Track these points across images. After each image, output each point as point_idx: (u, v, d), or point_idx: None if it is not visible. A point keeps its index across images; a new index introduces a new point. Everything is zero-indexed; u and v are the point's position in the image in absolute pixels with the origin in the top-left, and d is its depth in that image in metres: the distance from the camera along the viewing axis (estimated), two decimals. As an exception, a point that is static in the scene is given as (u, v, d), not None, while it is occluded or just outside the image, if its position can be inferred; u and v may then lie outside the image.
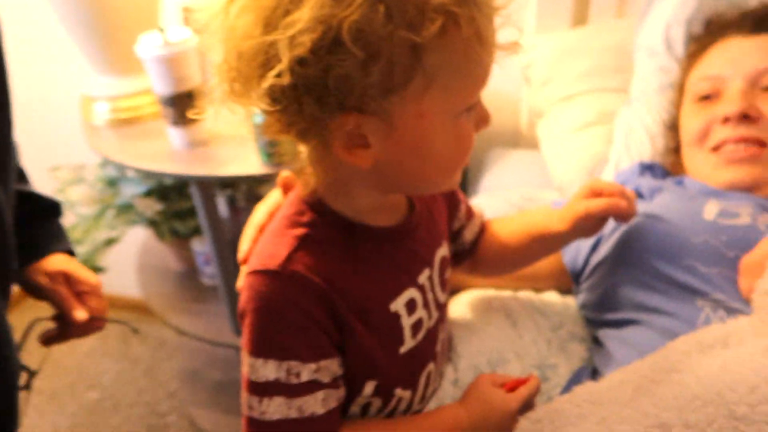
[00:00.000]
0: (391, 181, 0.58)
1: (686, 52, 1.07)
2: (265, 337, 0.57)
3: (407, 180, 0.58)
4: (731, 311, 0.67)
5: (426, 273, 0.67)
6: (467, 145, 0.57)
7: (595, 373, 0.77)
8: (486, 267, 0.85)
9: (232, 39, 0.51)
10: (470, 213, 0.82)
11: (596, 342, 0.87)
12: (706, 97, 0.93)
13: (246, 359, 0.58)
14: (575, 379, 0.77)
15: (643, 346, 0.70)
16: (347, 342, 0.60)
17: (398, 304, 0.63)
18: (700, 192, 0.88)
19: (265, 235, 0.63)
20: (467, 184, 1.46)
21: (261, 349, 0.57)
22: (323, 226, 0.59)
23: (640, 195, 0.94)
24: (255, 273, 0.58)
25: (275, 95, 0.50)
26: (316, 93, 0.49)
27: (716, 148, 0.90)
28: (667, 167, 1.03)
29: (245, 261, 0.67)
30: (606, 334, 0.82)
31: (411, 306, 0.65)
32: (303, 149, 0.58)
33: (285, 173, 0.70)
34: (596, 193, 0.76)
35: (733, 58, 0.92)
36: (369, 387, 0.63)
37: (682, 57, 1.10)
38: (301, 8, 0.47)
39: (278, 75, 0.48)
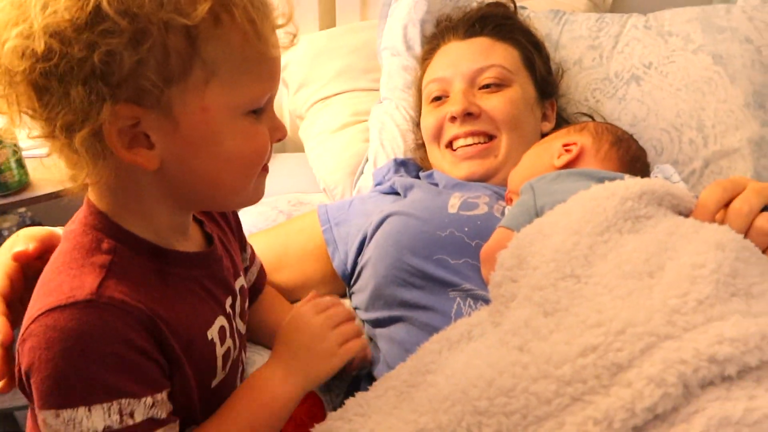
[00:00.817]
0: (184, 189, 0.54)
1: (421, 52, 1.14)
2: (83, 379, 0.47)
3: (201, 185, 0.54)
4: (477, 299, 0.72)
5: (229, 301, 0.64)
6: (259, 146, 0.55)
7: (371, 377, 0.79)
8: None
9: None
10: (254, 256, 0.80)
11: (372, 342, 0.89)
12: (437, 98, 1.00)
13: (54, 420, 0.47)
14: (353, 385, 0.78)
15: (407, 344, 0.72)
16: (174, 375, 0.54)
17: (213, 332, 0.59)
18: (446, 185, 0.94)
19: (54, 271, 0.52)
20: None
21: (80, 395, 0.47)
22: (128, 252, 0.53)
23: (396, 192, 0.98)
24: (55, 310, 0.48)
25: (38, 82, 0.46)
26: (82, 76, 0.45)
27: (449, 145, 0.97)
28: (419, 162, 1.09)
29: (5, 341, 0.55)
30: (377, 334, 0.84)
31: (222, 334, 0.60)
32: (79, 162, 0.50)
33: (20, 247, 0.60)
34: None
35: (452, 61, 0.99)
36: None
37: (420, 56, 1.17)
38: None
39: (28, 37, 0.44)
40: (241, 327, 0.67)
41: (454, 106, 0.94)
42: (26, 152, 1.14)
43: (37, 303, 0.50)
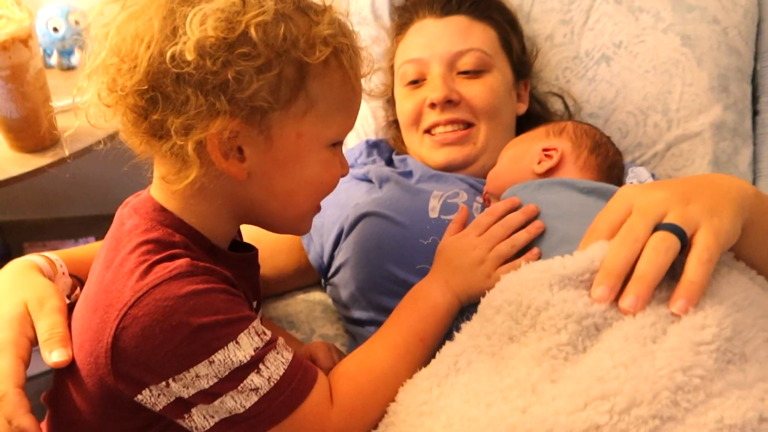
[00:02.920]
0: (257, 203, 0.58)
1: (392, 25, 1.07)
2: (222, 322, 0.52)
3: (275, 202, 0.59)
4: (462, 312, 0.67)
5: (255, 304, 0.67)
6: (335, 175, 0.61)
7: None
8: None
9: (125, 27, 0.52)
10: None
11: (348, 333, 0.87)
12: (414, 82, 0.92)
13: (208, 368, 0.51)
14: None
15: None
16: None
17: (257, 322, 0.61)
18: (421, 177, 0.89)
19: (133, 261, 0.53)
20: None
21: (225, 335, 0.52)
22: (194, 246, 0.56)
23: (369, 180, 0.93)
24: (160, 285, 0.51)
25: (168, 86, 0.50)
26: (208, 88, 0.50)
27: (428, 131, 0.91)
28: (391, 143, 1.04)
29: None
30: (354, 330, 0.82)
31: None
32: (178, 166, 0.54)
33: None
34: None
35: (429, 41, 0.91)
36: None
37: (390, 27, 1.09)
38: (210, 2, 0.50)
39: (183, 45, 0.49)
40: None
41: (434, 93, 0.88)
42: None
43: (125, 291, 0.51)
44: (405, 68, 0.94)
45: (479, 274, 0.64)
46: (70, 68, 1.21)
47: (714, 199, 0.54)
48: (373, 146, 1.01)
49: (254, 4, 0.50)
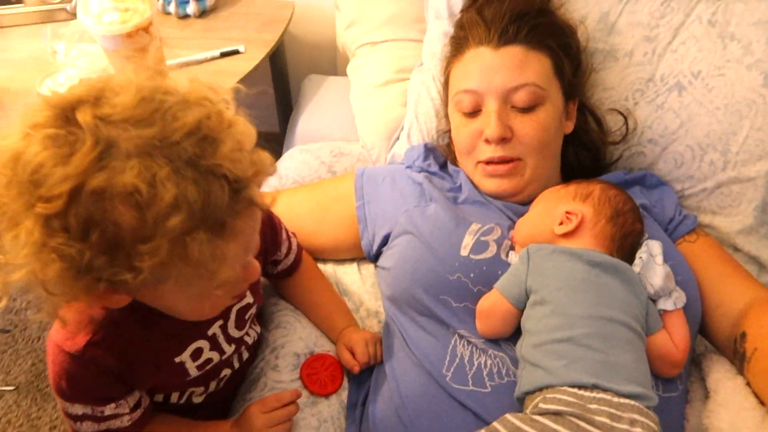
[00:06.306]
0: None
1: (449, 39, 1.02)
2: (70, 392, 0.68)
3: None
4: (470, 344, 0.81)
5: (218, 323, 0.76)
6: (212, 309, 0.67)
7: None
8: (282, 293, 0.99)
9: None
10: (289, 249, 0.91)
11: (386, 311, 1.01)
12: (469, 113, 0.93)
13: (59, 399, 0.69)
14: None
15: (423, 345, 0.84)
16: (143, 385, 0.73)
17: (185, 356, 0.74)
18: (466, 199, 0.95)
19: (74, 311, 0.64)
20: (287, 119, 1.42)
21: (68, 397, 0.68)
22: (120, 310, 0.62)
23: (421, 186, 0.99)
24: (59, 347, 0.66)
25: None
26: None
27: (481, 161, 0.94)
28: (446, 152, 1.07)
29: None
30: (393, 317, 0.93)
31: (197, 353, 0.75)
32: None
33: None
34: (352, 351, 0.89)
35: (485, 73, 0.90)
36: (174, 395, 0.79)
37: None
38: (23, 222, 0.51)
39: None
40: (237, 334, 0.80)
41: (490, 130, 0.89)
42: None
43: (60, 332, 0.66)
44: (461, 97, 0.93)
45: None
46: (186, 16, 1.31)
47: None
48: (430, 150, 1.05)
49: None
